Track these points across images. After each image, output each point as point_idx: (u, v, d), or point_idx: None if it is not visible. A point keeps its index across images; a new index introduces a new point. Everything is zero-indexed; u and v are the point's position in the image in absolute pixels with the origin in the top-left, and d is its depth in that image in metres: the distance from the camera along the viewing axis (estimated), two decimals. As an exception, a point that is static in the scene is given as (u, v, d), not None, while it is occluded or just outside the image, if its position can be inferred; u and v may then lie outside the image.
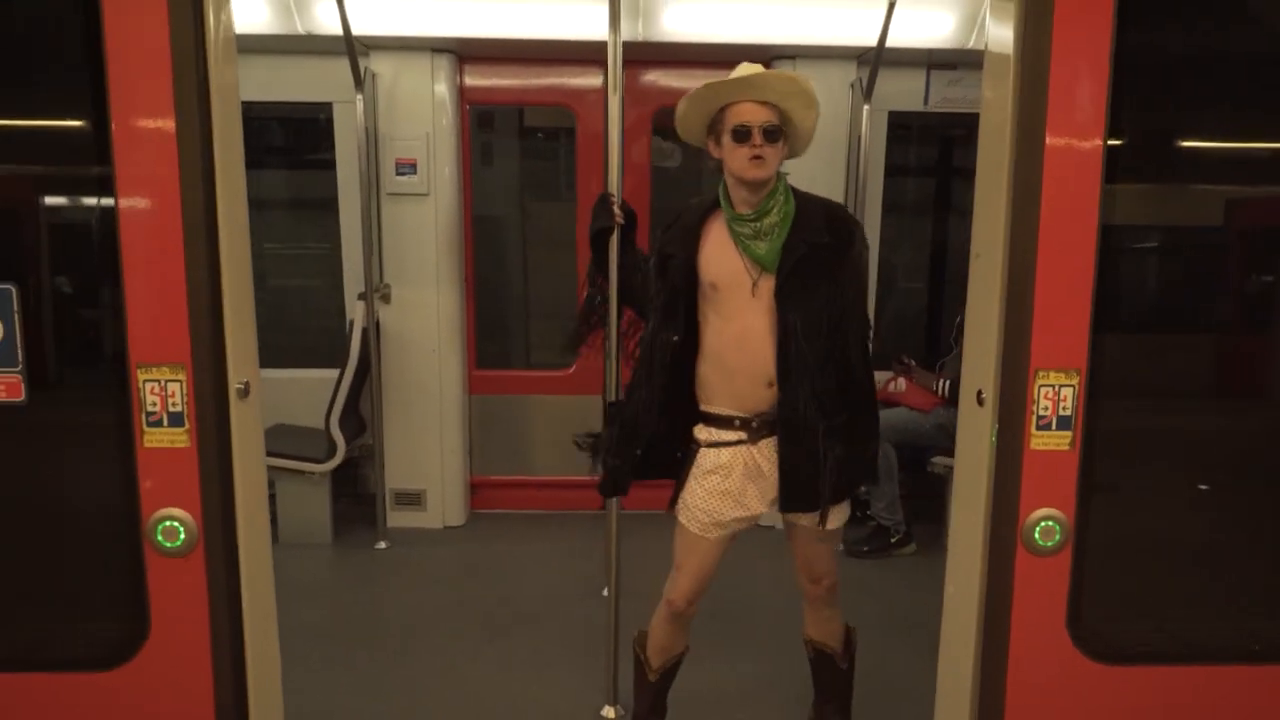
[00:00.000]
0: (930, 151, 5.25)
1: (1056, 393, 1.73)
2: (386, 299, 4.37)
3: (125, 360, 1.66)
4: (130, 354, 1.66)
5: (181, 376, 1.67)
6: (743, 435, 2.41)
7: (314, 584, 3.96)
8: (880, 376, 4.45)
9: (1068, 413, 1.73)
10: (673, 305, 2.41)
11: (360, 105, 4.06)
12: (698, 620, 2.67)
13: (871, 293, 4.47)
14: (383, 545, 4.36)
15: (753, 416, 2.40)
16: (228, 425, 1.72)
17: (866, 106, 4.13)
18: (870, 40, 3.89)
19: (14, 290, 1.65)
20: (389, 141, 4.25)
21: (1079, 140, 1.72)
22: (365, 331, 4.22)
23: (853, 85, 4.21)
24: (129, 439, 1.69)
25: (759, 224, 2.35)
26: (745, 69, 2.36)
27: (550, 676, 3.20)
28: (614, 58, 2.76)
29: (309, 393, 4.38)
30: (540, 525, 4.72)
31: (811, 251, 2.34)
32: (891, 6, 3.70)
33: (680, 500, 2.49)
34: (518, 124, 5.09)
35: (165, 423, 1.68)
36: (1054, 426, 1.74)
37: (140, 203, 1.63)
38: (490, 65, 4.48)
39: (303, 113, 4.63)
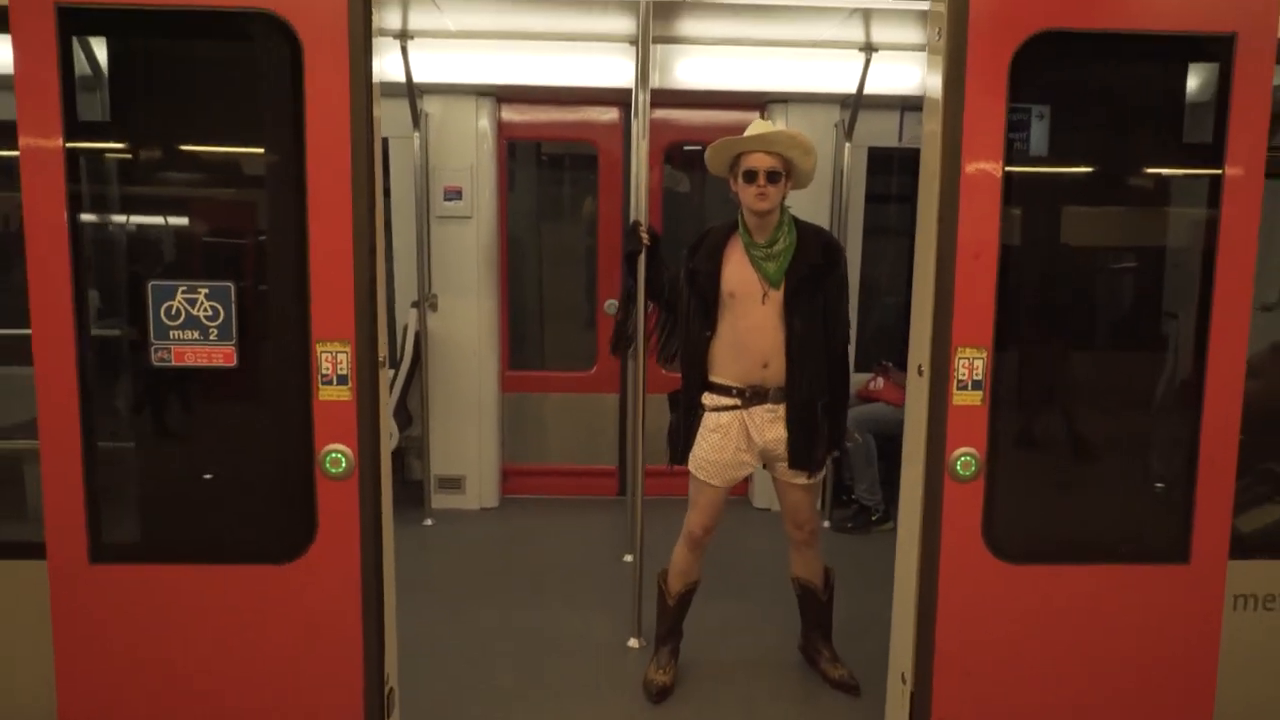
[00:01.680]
0: (906, 181, 5.89)
1: (971, 363, 2.37)
2: (434, 307, 5.01)
3: (308, 337, 2.27)
4: (312, 332, 2.27)
5: (347, 349, 2.29)
6: (738, 402, 3.10)
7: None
8: (863, 377, 5.13)
9: (979, 377, 2.36)
10: (705, 311, 3.10)
11: (416, 141, 4.73)
12: (707, 572, 3.35)
13: (855, 305, 5.13)
14: (429, 522, 4.99)
15: (746, 388, 3.10)
16: (376, 385, 2.35)
17: (848, 144, 4.80)
18: (851, 87, 4.55)
19: (232, 286, 2.29)
20: (438, 171, 4.91)
21: (987, 165, 2.28)
22: (417, 335, 4.88)
23: (836, 125, 4.88)
24: (308, 393, 2.30)
25: (770, 249, 3.05)
26: (757, 126, 3.09)
27: (584, 618, 3.82)
28: (643, 110, 3.43)
29: None
30: (564, 508, 5.32)
31: (810, 271, 3.06)
32: (868, 60, 4.38)
33: (691, 455, 3.18)
34: (536, 154, 5.75)
35: (334, 382, 2.30)
36: (970, 388, 2.37)
37: (324, 219, 2.23)
38: (525, 105, 5.15)
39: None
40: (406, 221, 4.96)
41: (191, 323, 2.27)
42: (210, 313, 2.27)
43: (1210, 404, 2.40)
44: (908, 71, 4.66)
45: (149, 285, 2.27)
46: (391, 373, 4.89)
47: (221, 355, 2.30)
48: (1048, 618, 2.50)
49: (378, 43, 2.28)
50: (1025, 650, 2.51)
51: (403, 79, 4.41)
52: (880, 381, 5.10)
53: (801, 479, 3.15)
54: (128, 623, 2.37)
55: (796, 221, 3.13)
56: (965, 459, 2.38)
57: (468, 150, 4.93)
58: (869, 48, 4.27)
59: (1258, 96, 2.30)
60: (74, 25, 2.16)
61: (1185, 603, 2.48)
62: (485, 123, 4.97)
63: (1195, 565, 2.45)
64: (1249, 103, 2.30)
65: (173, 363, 2.28)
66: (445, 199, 4.94)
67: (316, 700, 2.45)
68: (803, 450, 3.09)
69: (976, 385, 2.37)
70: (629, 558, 4.16)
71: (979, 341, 2.36)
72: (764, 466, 3.24)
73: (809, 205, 4.48)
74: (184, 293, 2.26)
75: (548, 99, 5.13)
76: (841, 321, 3.20)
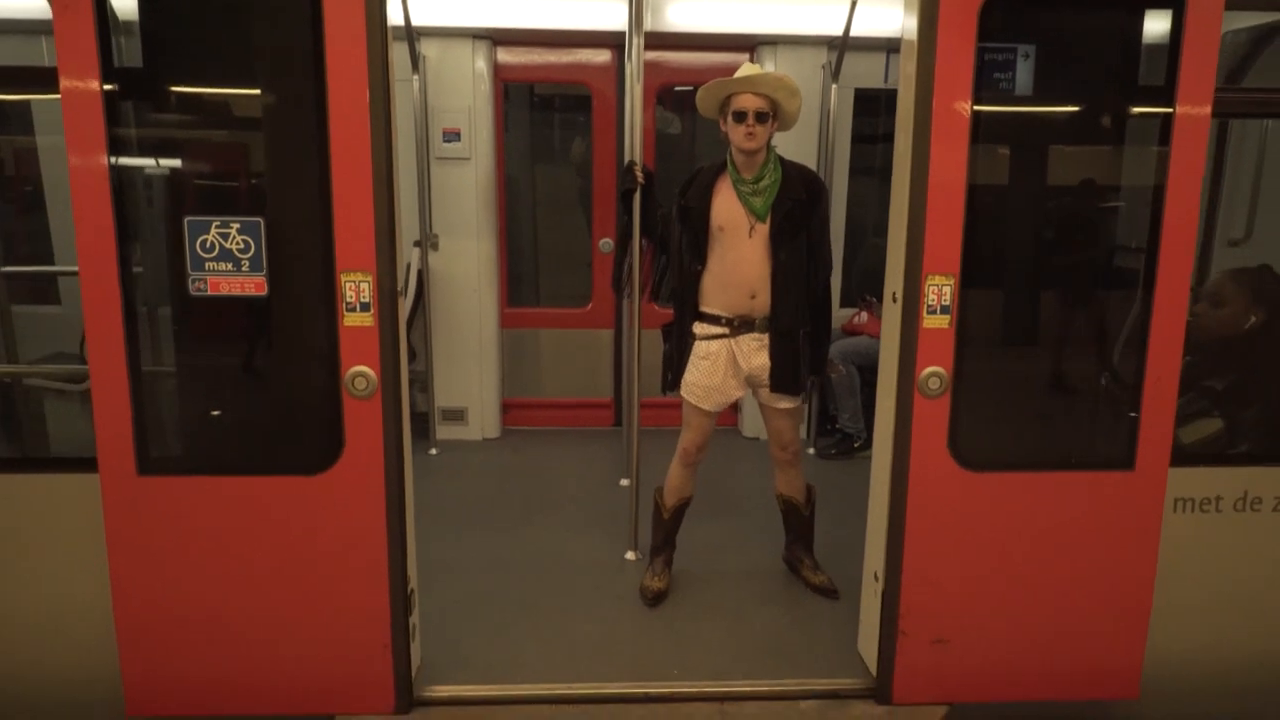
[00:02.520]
0: (892, 121, 6.03)
1: (940, 290, 2.59)
2: (435, 247, 5.18)
3: (333, 267, 2.47)
4: (337, 263, 2.47)
5: (369, 279, 2.49)
6: (726, 331, 3.33)
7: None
8: (848, 312, 5.36)
9: (947, 302, 2.59)
10: (696, 245, 3.32)
11: (415, 84, 4.86)
12: (699, 495, 3.63)
13: (841, 243, 5.34)
14: (434, 452, 5.25)
15: (735, 317, 3.32)
16: (395, 312, 2.56)
17: (835, 85, 4.95)
18: (838, 29, 4.69)
19: (261, 221, 2.47)
20: (437, 114, 5.04)
21: (956, 105, 2.46)
22: (420, 274, 5.07)
23: (823, 67, 5.01)
24: (334, 319, 2.51)
25: (757, 185, 3.24)
26: (746, 69, 3.26)
27: (584, 536, 4.09)
28: (636, 53, 3.58)
29: None
30: (562, 439, 5.56)
31: (794, 206, 3.25)
32: (854, 3, 4.50)
33: (683, 381, 3.42)
34: (531, 95, 5.87)
35: (358, 309, 2.50)
36: (938, 312, 2.59)
37: (345, 157, 2.40)
38: (520, 48, 5.27)
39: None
40: (407, 163, 5.10)
41: (225, 255, 2.46)
42: (242, 245, 2.46)
43: (1156, 328, 2.62)
44: (893, 14, 4.76)
45: (185, 220, 2.45)
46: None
47: (253, 285, 2.49)
48: (1006, 520, 2.75)
49: None
50: (985, 549, 2.77)
51: (401, 23, 4.52)
52: (864, 316, 5.33)
53: (785, 403, 3.39)
54: (173, 529, 2.61)
55: (781, 160, 3.32)
56: (934, 377, 2.62)
57: (465, 92, 5.06)
58: None
59: (1207, 40, 2.48)
60: None
61: (1130, 506, 2.74)
62: (482, 65, 5.09)
63: (1140, 471, 2.71)
64: (1198, 45, 2.48)
65: (208, 292, 2.48)
66: (444, 140, 5.08)
67: (346, 599, 2.70)
68: (786, 376, 3.32)
69: (945, 310, 2.59)
70: (625, 482, 4.42)
71: (947, 269, 2.58)
72: (751, 392, 3.49)
73: (797, 145, 4.66)
74: (217, 227, 2.45)
75: (543, 41, 5.24)
76: (824, 255, 3.41)
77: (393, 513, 2.66)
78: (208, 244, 2.46)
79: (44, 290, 5.22)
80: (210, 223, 2.45)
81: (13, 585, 2.75)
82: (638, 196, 3.52)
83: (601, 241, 5.53)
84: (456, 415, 5.45)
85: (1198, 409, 2.98)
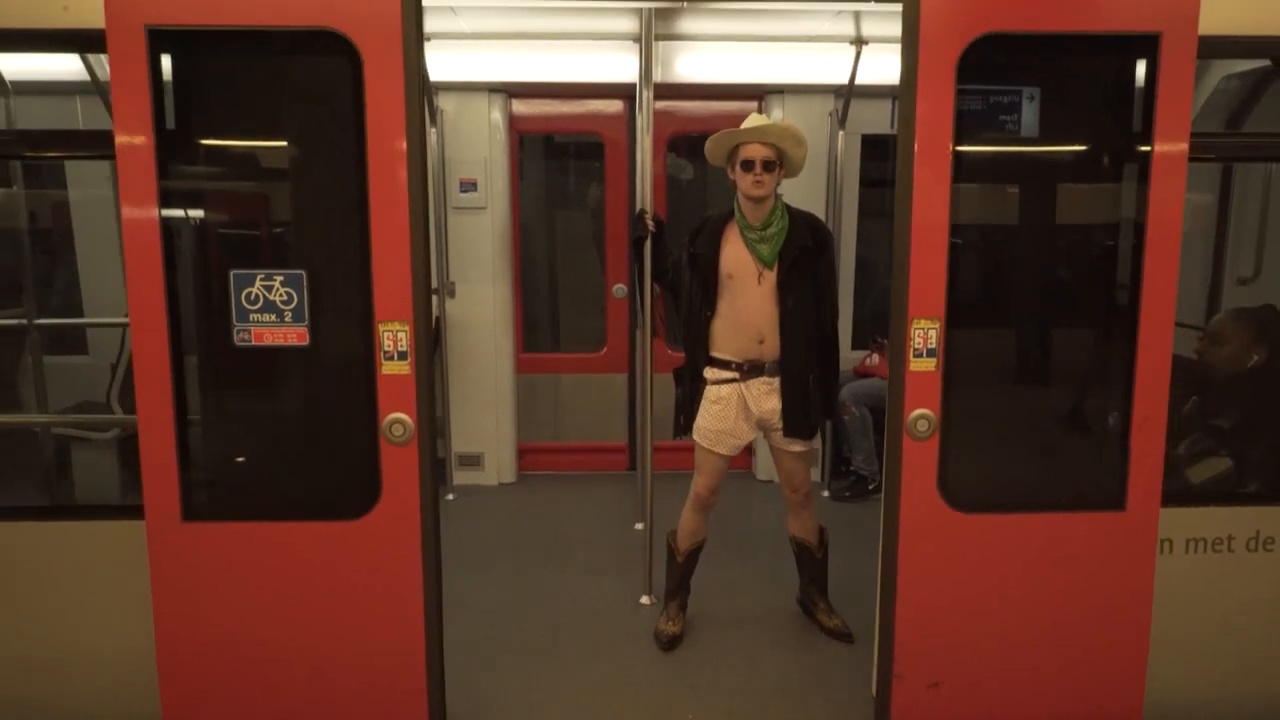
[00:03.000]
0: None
1: (925, 333, 2.62)
2: (452, 294, 5.29)
3: (372, 318, 2.55)
4: (376, 313, 2.54)
5: (406, 328, 2.55)
6: (736, 375, 3.39)
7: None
8: (860, 354, 5.40)
9: (933, 345, 2.61)
10: (706, 291, 3.39)
11: (433, 136, 5.00)
12: (713, 538, 3.65)
13: (851, 285, 5.40)
14: (451, 497, 5.29)
15: (744, 362, 3.38)
16: (430, 360, 2.62)
17: (841, 131, 5.05)
18: (843, 78, 4.80)
19: (304, 274, 2.55)
20: (454, 164, 5.18)
21: (937, 151, 2.51)
22: (437, 320, 5.16)
23: (830, 114, 5.12)
24: (372, 367, 2.57)
25: (764, 232, 3.32)
26: (753, 119, 3.36)
27: (599, 580, 4.11)
28: (647, 105, 3.69)
29: None
30: (577, 483, 5.59)
31: (801, 253, 3.33)
32: (859, 52, 4.62)
33: (695, 425, 3.47)
34: (546, 146, 6.01)
35: (395, 358, 2.56)
36: (925, 355, 2.62)
37: (383, 213, 2.48)
38: (535, 100, 5.42)
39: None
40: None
41: (269, 307, 2.55)
42: (285, 298, 2.54)
43: (1142, 368, 2.63)
44: (896, 62, 4.90)
45: (231, 274, 2.55)
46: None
47: (295, 335, 2.57)
48: (998, 561, 2.75)
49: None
50: (978, 591, 2.77)
51: None
52: (875, 358, 5.36)
53: (796, 446, 3.43)
54: (216, 573, 2.67)
55: (788, 208, 3.39)
56: (922, 419, 2.65)
57: (481, 144, 5.20)
58: (859, 41, 4.52)
59: (1181, 87, 2.54)
60: (162, 43, 2.44)
61: (1122, 546, 2.73)
62: (498, 116, 5.23)
63: (1131, 511, 2.70)
64: (1173, 93, 2.54)
65: (252, 343, 2.57)
66: (461, 191, 5.21)
67: (382, 641, 2.73)
68: (797, 419, 3.37)
69: (931, 353, 2.63)
70: (639, 525, 4.45)
71: (932, 313, 2.61)
72: (762, 435, 3.53)
73: (806, 191, 4.75)
74: (262, 280, 2.54)
75: (556, 94, 5.39)
76: (831, 300, 3.47)
77: (428, 557, 2.70)
78: (252, 296, 2.55)
79: (72, 341, 5.36)
80: (255, 275, 2.55)
81: (58, 629, 2.81)
82: (649, 244, 3.60)
83: (615, 287, 5.61)
84: (473, 460, 5.51)
85: (1205, 448, 2.99)
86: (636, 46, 4.13)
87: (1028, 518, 2.75)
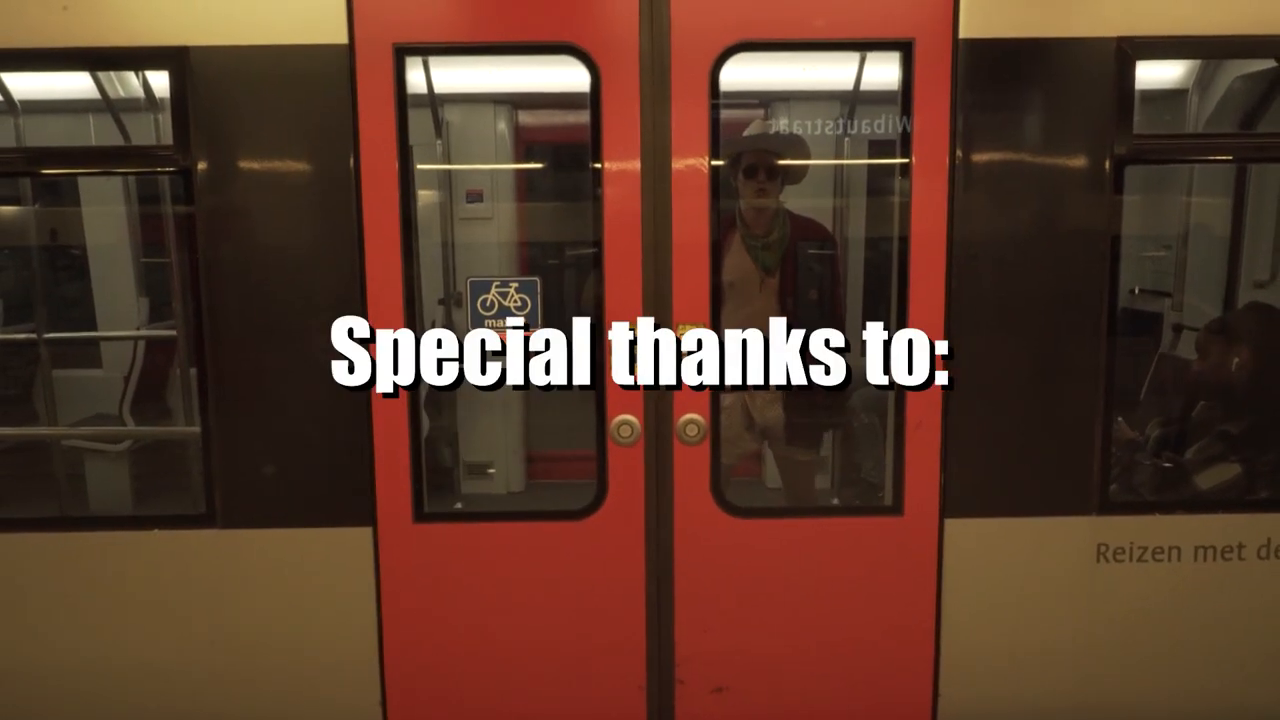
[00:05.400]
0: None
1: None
2: (459, 304, 5.31)
3: (602, 321, 2.58)
4: (606, 314, 2.58)
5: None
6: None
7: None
8: (866, 360, 5.36)
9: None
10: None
11: (439, 148, 5.02)
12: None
13: (859, 291, 5.37)
14: (459, 506, 5.29)
15: None
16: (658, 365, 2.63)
17: (847, 138, 5.04)
18: (848, 84, 4.78)
19: (538, 280, 2.61)
20: (460, 176, 5.20)
21: (696, 163, 2.56)
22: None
23: (836, 120, 5.11)
24: (602, 372, 2.62)
25: (767, 239, 3.33)
26: (756, 128, 3.35)
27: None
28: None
29: None
30: (586, 491, 5.60)
31: (803, 260, 3.30)
32: (863, 59, 4.61)
33: None
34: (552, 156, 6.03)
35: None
36: None
37: (615, 223, 2.55)
38: (540, 111, 5.43)
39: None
40: (429, 224, 5.25)
41: (503, 312, 2.60)
42: (520, 303, 2.60)
43: (916, 379, 2.62)
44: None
45: (467, 281, 2.62)
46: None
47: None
48: (775, 566, 2.75)
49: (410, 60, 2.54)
50: (756, 595, 2.77)
51: (424, 91, 4.70)
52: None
53: (800, 455, 3.42)
54: (445, 573, 2.72)
55: (790, 214, 3.39)
56: (691, 424, 2.65)
57: (487, 155, 5.22)
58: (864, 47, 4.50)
59: (936, 92, 2.51)
60: (410, 61, 2.51)
61: (901, 552, 2.71)
62: (503, 129, 5.25)
63: (909, 518, 2.69)
64: (928, 97, 2.52)
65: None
66: (467, 201, 5.23)
67: (603, 638, 2.79)
68: (800, 428, 3.35)
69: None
70: None
71: (699, 319, 2.65)
72: (768, 444, 3.51)
73: (814, 196, 4.74)
74: (497, 287, 2.61)
75: (562, 104, 5.39)
76: (834, 306, 3.46)
77: (650, 554, 2.71)
78: (488, 302, 2.60)
79: (86, 354, 5.41)
80: (491, 283, 2.62)
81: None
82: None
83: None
84: (481, 470, 5.51)
85: (1215, 454, 2.96)
86: None
87: (803, 522, 2.77)
